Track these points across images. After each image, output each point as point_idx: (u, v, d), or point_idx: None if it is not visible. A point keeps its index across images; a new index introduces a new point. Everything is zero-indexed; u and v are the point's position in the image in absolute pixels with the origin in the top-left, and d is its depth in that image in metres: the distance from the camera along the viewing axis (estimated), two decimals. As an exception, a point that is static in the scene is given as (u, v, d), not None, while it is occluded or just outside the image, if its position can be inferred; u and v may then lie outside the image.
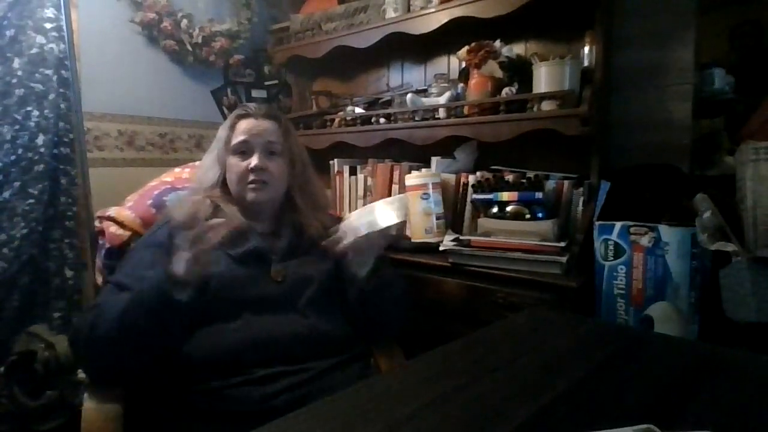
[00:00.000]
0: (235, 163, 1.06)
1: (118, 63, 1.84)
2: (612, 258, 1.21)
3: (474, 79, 1.53)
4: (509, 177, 1.46)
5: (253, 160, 1.04)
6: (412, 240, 1.56)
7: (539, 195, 1.33)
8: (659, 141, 1.42)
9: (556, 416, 0.57)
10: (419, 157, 1.76)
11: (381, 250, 1.04)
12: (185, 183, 1.28)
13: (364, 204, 1.82)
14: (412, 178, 1.56)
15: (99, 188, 1.58)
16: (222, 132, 1.10)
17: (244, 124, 1.07)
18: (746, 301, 1.02)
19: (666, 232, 1.15)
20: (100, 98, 1.77)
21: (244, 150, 1.06)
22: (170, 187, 1.27)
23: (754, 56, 2.42)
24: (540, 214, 1.31)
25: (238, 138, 1.06)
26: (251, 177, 1.04)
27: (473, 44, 1.51)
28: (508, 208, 1.35)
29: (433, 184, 1.55)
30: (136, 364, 0.86)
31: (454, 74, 1.76)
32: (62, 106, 1.53)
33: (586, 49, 1.44)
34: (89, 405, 0.85)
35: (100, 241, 1.21)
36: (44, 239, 1.51)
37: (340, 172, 1.92)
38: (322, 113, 2.01)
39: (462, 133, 1.55)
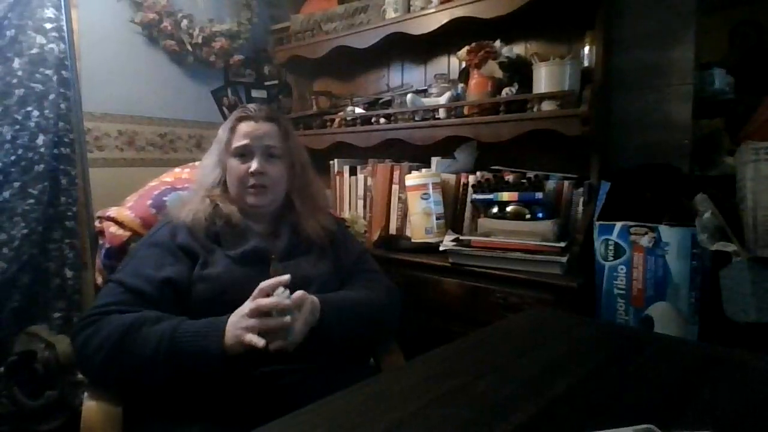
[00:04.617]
0: (236, 166, 1.06)
1: (118, 63, 1.84)
2: (612, 258, 1.21)
3: (474, 80, 1.53)
4: (509, 177, 1.46)
5: (253, 164, 1.04)
6: (412, 240, 1.56)
7: (539, 195, 1.33)
8: (659, 141, 1.42)
9: (556, 416, 0.57)
10: (419, 157, 1.76)
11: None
12: (185, 183, 1.28)
13: (364, 204, 1.82)
14: (412, 178, 1.56)
15: (99, 188, 1.58)
16: (222, 134, 1.10)
17: (244, 127, 1.07)
18: (746, 301, 1.02)
19: (666, 232, 1.15)
20: (100, 98, 1.77)
21: (244, 153, 1.06)
22: (170, 188, 1.27)
23: (754, 56, 2.42)
24: (540, 215, 1.31)
25: (238, 141, 1.06)
26: (251, 181, 1.04)
27: (473, 44, 1.51)
28: (508, 209, 1.35)
29: (433, 184, 1.55)
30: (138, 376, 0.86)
31: (454, 74, 1.76)
32: (62, 106, 1.53)
33: (586, 49, 1.44)
34: (89, 405, 0.85)
35: (100, 241, 1.21)
36: (44, 239, 1.51)
37: (340, 173, 1.92)
38: (322, 113, 2.01)
39: (462, 133, 1.55)
